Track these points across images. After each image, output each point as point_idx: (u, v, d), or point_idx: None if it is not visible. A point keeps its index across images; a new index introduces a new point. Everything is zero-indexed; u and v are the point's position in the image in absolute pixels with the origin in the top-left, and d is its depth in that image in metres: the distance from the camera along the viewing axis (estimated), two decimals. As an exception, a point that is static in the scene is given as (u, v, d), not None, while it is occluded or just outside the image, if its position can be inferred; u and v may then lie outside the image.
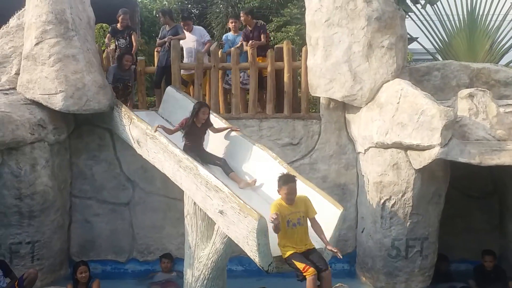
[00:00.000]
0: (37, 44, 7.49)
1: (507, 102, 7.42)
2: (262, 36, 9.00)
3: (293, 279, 7.01)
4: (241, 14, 9.30)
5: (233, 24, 9.55)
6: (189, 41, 9.18)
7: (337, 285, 6.96)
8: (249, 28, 9.15)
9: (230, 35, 9.61)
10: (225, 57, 9.05)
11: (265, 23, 9.44)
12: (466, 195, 8.12)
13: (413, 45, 12.80)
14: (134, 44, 9.03)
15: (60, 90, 7.38)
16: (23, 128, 7.13)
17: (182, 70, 8.81)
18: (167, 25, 9.08)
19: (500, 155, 6.59)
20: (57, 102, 7.40)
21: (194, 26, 9.46)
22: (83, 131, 8.25)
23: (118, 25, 9.06)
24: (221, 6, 15.89)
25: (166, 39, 8.79)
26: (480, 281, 7.47)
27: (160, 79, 9.02)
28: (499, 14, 11.53)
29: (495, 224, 8.24)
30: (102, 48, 9.55)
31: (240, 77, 8.88)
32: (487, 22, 11.41)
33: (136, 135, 7.42)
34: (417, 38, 12.15)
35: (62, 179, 7.84)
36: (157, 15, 9.51)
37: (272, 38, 14.16)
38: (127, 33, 9.02)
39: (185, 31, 9.07)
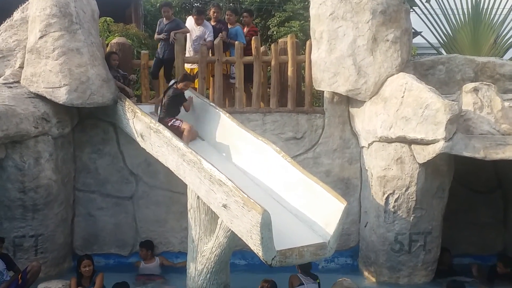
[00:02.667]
0: (41, 37, 7.47)
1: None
2: (221, 33, 9.08)
3: (296, 273, 7.04)
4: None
5: (228, 17, 9.56)
6: (194, 34, 9.14)
7: (340, 279, 7.01)
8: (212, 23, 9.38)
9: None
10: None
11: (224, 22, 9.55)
12: (470, 189, 8.11)
13: (417, 39, 12.78)
14: None
15: (64, 84, 7.37)
16: (27, 122, 7.12)
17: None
18: (164, 19, 8.99)
19: (505, 149, 6.57)
20: (61, 96, 7.39)
21: (204, 21, 9.32)
22: (86, 125, 8.24)
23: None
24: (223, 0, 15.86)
25: (172, 34, 8.71)
26: (492, 278, 7.41)
27: (158, 70, 8.99)
28: (503, 8, 11.50)
29: (499, 218, 8.23)
30: (106, 42, 9.51)
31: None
32: (492, 16, 11.38)
33: (140, 128, 7.41)
34: (421, 32, 12.12)
35: (65, 173, 7.85)
36: (161, 9, 9.36)
37: (274, 33, 14.16)
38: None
39: (195, 25, 9.07)
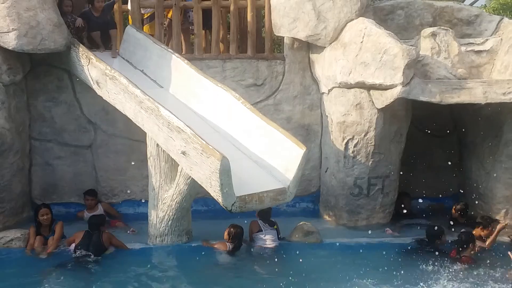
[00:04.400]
0: (-14, -21, 7.07)
1: (468, 41, 7.47)
2: None
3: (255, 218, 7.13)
4: None
5: None
6: None
7: (300, 223, 7.16)
8: None
9: None
10: None
11: None
12: (427, 134, 8.27)
13: (379, -15, 12.64)
14: None
15: (12, 28, 7.03)
16: (-25, 69, 6.84)
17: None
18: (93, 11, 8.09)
19: (460, 94, 6.69)
20: (10, 41, 7.07)
21: None
22: (40, 72, 7.95)
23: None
24: None
25: None
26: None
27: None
28: (465, -48, 11.46)
29: (455, 162, 8.45)
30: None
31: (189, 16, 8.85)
32: (453, -40, 11.33)
33: (96, 75, 7.20)
34: (383, -24, 12.01)
35: (19, 121, 7.61)
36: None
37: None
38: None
39: None
